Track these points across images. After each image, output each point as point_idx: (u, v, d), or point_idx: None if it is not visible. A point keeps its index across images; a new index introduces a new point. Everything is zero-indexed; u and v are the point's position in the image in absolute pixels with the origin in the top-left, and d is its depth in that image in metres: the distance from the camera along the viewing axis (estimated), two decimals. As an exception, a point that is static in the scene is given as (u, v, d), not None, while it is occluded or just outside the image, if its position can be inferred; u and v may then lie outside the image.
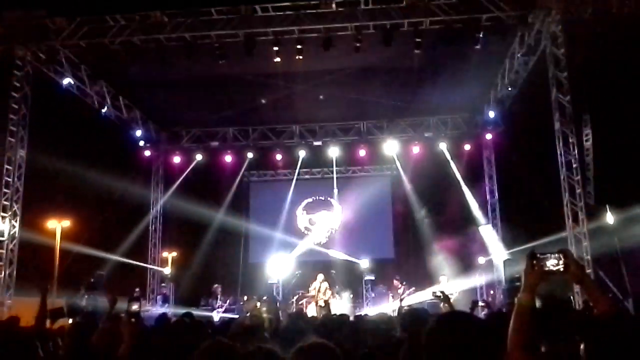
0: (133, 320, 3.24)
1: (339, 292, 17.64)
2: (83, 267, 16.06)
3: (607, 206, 13.99)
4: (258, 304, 16.39)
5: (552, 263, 2.61)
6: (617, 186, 13.71)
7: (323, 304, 15.34)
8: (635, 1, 11.82)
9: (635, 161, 13.26)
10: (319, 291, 16.98)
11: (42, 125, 14.76)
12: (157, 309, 16.85)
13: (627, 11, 11.89)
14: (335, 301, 16.71)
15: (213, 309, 16.56)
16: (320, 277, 17.38)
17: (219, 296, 17.08)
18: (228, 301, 17.11)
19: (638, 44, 11.80)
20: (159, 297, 17.91)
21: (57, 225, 16.34)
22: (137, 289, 17.80)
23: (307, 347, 2.44)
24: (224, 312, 16.33)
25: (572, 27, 12.39)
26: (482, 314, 8.89)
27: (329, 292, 16.92)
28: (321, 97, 15.45)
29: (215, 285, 17.41)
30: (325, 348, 2.46)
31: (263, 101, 15.63)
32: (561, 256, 2.63)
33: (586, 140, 13.44)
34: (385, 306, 15.85)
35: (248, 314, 11.78)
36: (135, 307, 3.37)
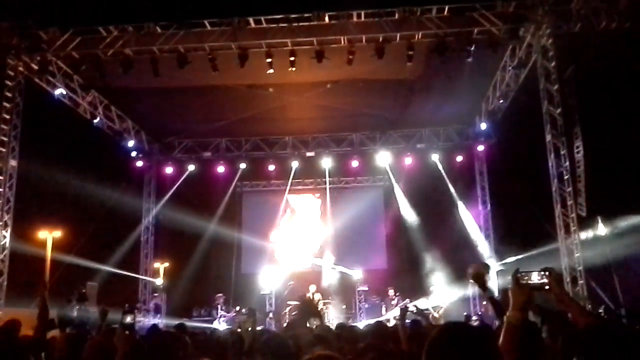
0: (127, 332, 3.23)
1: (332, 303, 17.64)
2: (74, 277, 15.93)
3: (599, 217, 14.07)
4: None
5: (536, 277, 2.68)
6: (608, 198, 13.79)
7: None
8: (622, 17, 11.97)
9: (626, 173, 13.37)
10: (311, 302, 16.95)
11: (34, 136, 14.70)
12: (150, 320, 16.75)
13: (615, 26, 12.04)
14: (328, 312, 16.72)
15: (214, 319, 16.45)
16: (313, 287, 17.36)
17: (220, 306, 17.02)
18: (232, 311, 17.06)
19: (626, 58, 11.93)
20: (151, 305, 17.79)
21: (48, 235, 16.22)
22: (139, 304, 17.72)
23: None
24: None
25: (563, 41, 12.53)
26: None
27: (322, 303, 16.89)
28: (328, 85, 15.21)
29: (218, 295, 17.38)
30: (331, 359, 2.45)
31: (270, 89, 15.34)
32: (545, 274, 2.70)
33: (577, 152, 13.53)
34: (378, 317, 15.82)
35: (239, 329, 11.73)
36: (129, 319, 3.35)
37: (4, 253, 13.29)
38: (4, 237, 13.33)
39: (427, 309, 16.42)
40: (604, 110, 13.44)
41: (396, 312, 15.01)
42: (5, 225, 13.39)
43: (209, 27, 13.04)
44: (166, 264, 20.64)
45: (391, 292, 17.26)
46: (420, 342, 3.98)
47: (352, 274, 19.10)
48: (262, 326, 13.12)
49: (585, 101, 13.28)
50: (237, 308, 17.25)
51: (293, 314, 15.52)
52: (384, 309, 17.14)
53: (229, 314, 16.88)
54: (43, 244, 16.13)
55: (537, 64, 13.10)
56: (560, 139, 12.76)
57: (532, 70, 13.60)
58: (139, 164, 19.46)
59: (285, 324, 13.37)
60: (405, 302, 16.39)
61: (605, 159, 13.91)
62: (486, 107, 17.27)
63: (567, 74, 12.76)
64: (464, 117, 18.36)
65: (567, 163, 12.70)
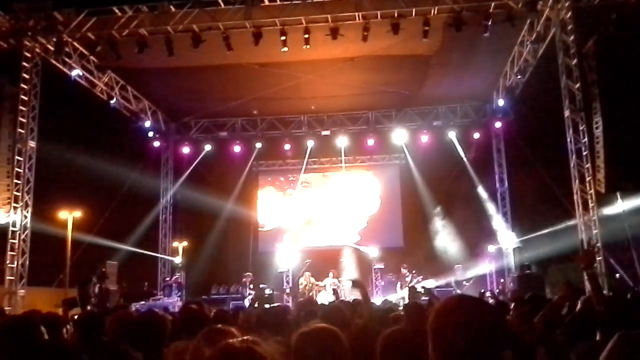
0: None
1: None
2: (94, 257, 16.20)
3: (618, 194, 13.89)
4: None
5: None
6: (627, 174, 13.60)
7: (332, 292, 15.48)
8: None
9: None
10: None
11: (52, 117, 14.86)
12: (173, 298, 17.00)
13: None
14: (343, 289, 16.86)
15: (244, 297, 16.51)
16: (331, 274, 17.38)
17: (248, 284, 17.10)
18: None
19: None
20: (174, 285, 17.96)
21: (69, 215, 16.46)
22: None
23: (310, 332, 2.45)
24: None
25: (582, 14, 12.28)
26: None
27: (336, 281, 17.06)
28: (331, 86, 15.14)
29: (246, 273, 17.46)
30: (328, 331, 2.47)
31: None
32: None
33: (596, 128, 13.32)
34: (393, 295, 15.89)
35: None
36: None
37: (25, 233, 13.54)
38: (25, 217, 13.57)
39: (439, 287, 16.40)
40: (624, 85, 13.18)
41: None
42: (26, 206, 13.63)
43: (222, 6, 12.98)
44: (185, 243, 20.87)
45: (404, 270, 17.20)
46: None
47: (369, 252, 19.15)
48: (278, 303, 13.29)
49: (605, 76, 13.02)
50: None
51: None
52: (399, 286, 17.17)
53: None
54: (64, 224, 16.38)
55: (555, 38, 12.86)
56: (579, 114, 12.57)
57: (550, 45, 13.36)
58: (156, 144, 19.58)
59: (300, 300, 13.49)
60: (415, 280, 16.42)
61: (625, 134, 13.69)
62: (504, 83, 17.04)
63: (587, 48, 12.49)
64: (481, 93, 18.16)
65: (586, 139, 12.53)
